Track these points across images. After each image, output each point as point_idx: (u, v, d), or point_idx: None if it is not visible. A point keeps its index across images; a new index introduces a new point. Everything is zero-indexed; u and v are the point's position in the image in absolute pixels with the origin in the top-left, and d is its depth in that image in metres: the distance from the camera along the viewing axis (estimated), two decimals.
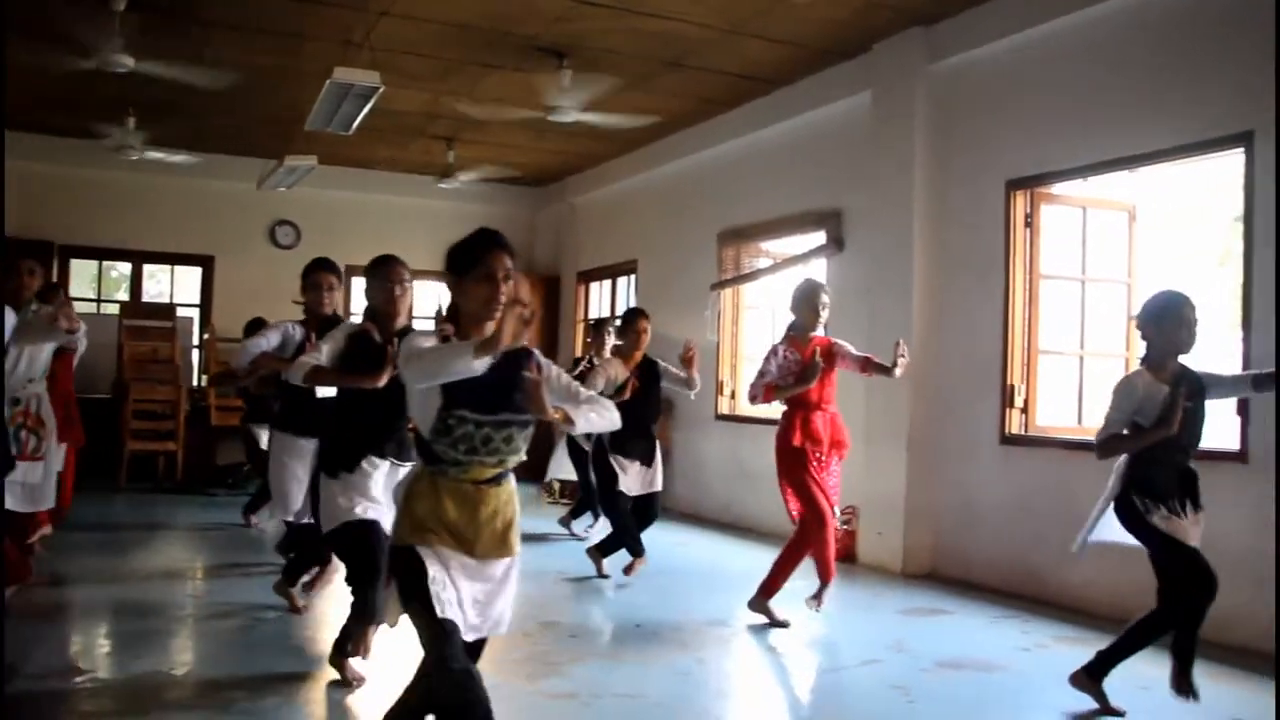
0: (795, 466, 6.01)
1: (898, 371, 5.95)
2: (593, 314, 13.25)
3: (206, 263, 13.13)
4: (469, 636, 3.08)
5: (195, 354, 12.92)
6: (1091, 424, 7.13)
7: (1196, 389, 4.44)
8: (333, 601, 5.98)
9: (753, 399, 6.14)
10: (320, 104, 8.11)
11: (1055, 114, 6.88)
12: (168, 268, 13.58)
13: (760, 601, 6.06)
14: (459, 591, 3.08)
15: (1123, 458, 4.54)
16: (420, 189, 13.08)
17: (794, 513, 6.11)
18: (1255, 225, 5.72)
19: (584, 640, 5.66)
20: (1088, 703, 4.69)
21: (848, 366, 6.20)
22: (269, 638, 5.44)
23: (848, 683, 5.16)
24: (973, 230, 7.43)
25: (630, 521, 7.16)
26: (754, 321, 10.49)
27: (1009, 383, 7.09)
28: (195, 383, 12.79)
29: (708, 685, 4.92)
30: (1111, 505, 4.59)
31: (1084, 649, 5.60)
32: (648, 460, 7.16)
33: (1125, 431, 4.44)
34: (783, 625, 5.98)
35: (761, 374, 6.06)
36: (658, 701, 4.54)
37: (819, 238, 9.06)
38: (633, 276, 12.26)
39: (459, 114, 9.77)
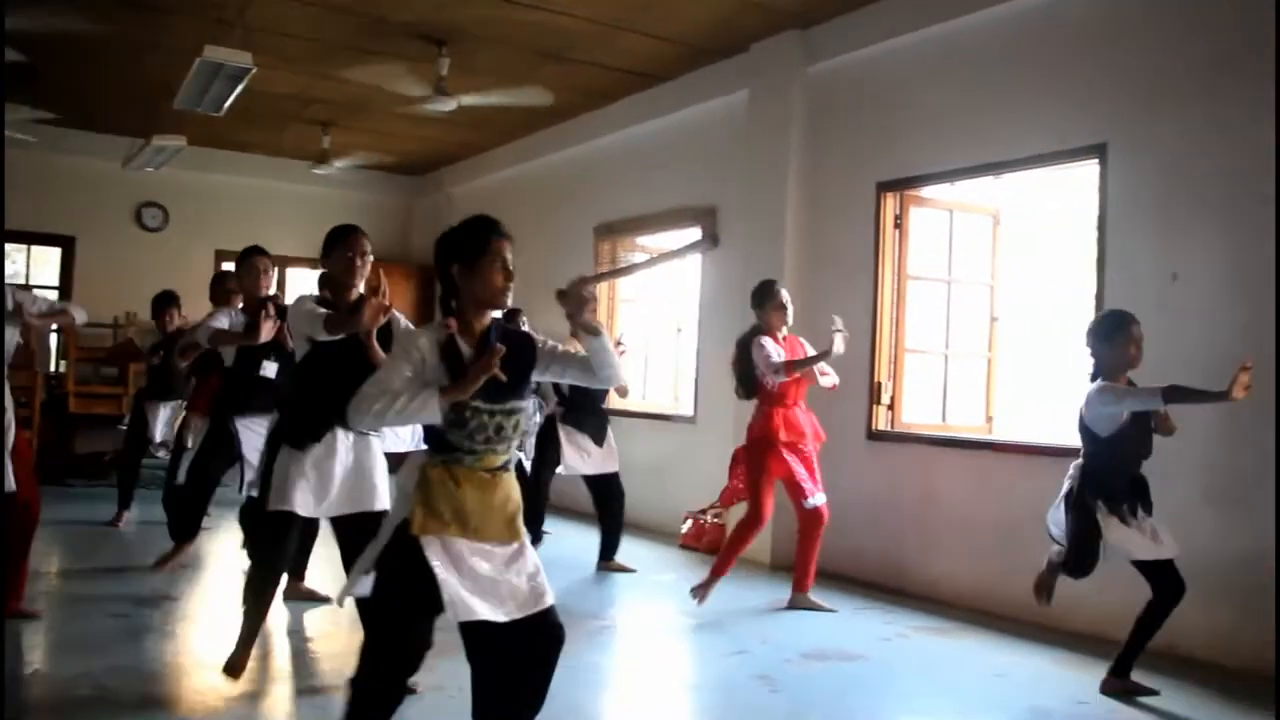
0: (762, 462, 6.24)
1: (837, 347, 6.10)
2: None
3: (67, 243, 12.61)
4: (498, 617, 3.04)
5: (53, 339, 12.40)
6: (955, 421, 7.36)
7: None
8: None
9: (776, 372, 6.19)
10: (190, 83, 7.90)
11: (925, 119, 7.07)
12: (23, 247, 13.04)
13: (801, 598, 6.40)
14: (469, 578, 3.06)
15: (1077, 460, 4.88)
16: (295, 174, 12.83)
17: (732, 495, 6.56)
18: (1108, 233, 5.98)
19: (455, 633, 5.60)
20: (946, 689, 4.85)
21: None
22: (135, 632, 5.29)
23: (713, 674, 5.22)
24: (844, 230, 7.59)
25: (544, 506, 7.51)
26: (629, 316, 10.53)
27: (876, 380, 7.27)
28: (53, 369, 12.31)
29: (576, 678, 4.90)
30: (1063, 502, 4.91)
31: (942, 638, 5.83)
32: (599, 438, 7.40)
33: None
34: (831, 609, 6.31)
35: (769, 357, 6.20)
36: None
37: (695, 233, 9.14)
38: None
39: (335, 99, 9.61)
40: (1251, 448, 5.29)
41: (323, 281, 4.75)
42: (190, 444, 7.15)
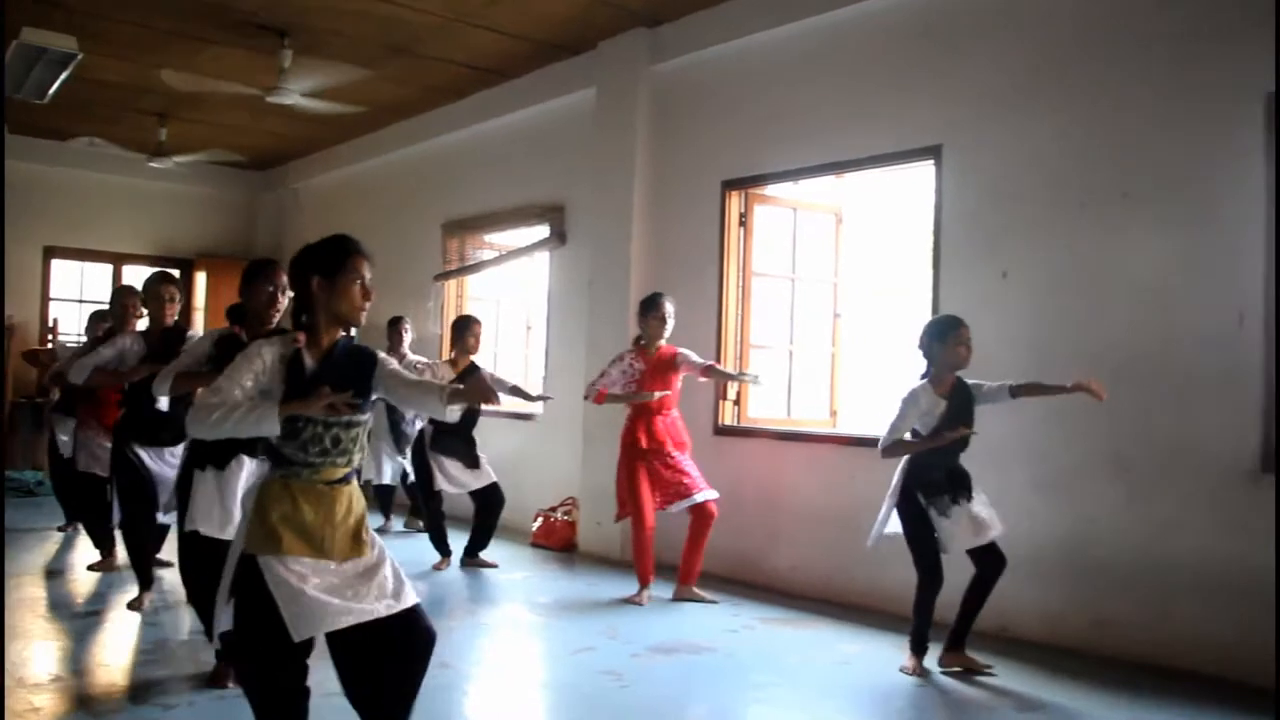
0: (631, 465, 6.50)
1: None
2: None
3: None
4: (347, 621, 3.02)
5: None
6: (800, 416, 7.51)
7: (968, 400, 5.03)
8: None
9: (586, 397, 6.72)
10: (9, 67, 7.50)
11: (770, 118, 7.19)
12: None
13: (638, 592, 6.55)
14: (314, 590, 3.03)
15: (904, 458, 5.08)
16: (129, 167, 12.28)
17: (623, 507, 6.64)
18: (943, 233, 6.18)
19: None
20: (792, 678, 4.94)
21: (691, 372, 6.54)
22: None
23: (562, 670, 5.22)
24: (690, 227, 7.67)
25: (443, 522, 7.52)
26: (477, 314, 10.40)
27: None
28: None
29: (424, 682, 4.84)
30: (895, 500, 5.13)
31: (789, 628, 5.93)
32: (471, 462, 7.46)
33: (907, 436, 5.02)
34: (712, 602, 6.48)
35: (602, 374, 6.58)
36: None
37: (543, 231, 9.12)
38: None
39: (171, 89, 9.26)
40: (1077, 441, 5.54)
41: (235, 315, 4.66)
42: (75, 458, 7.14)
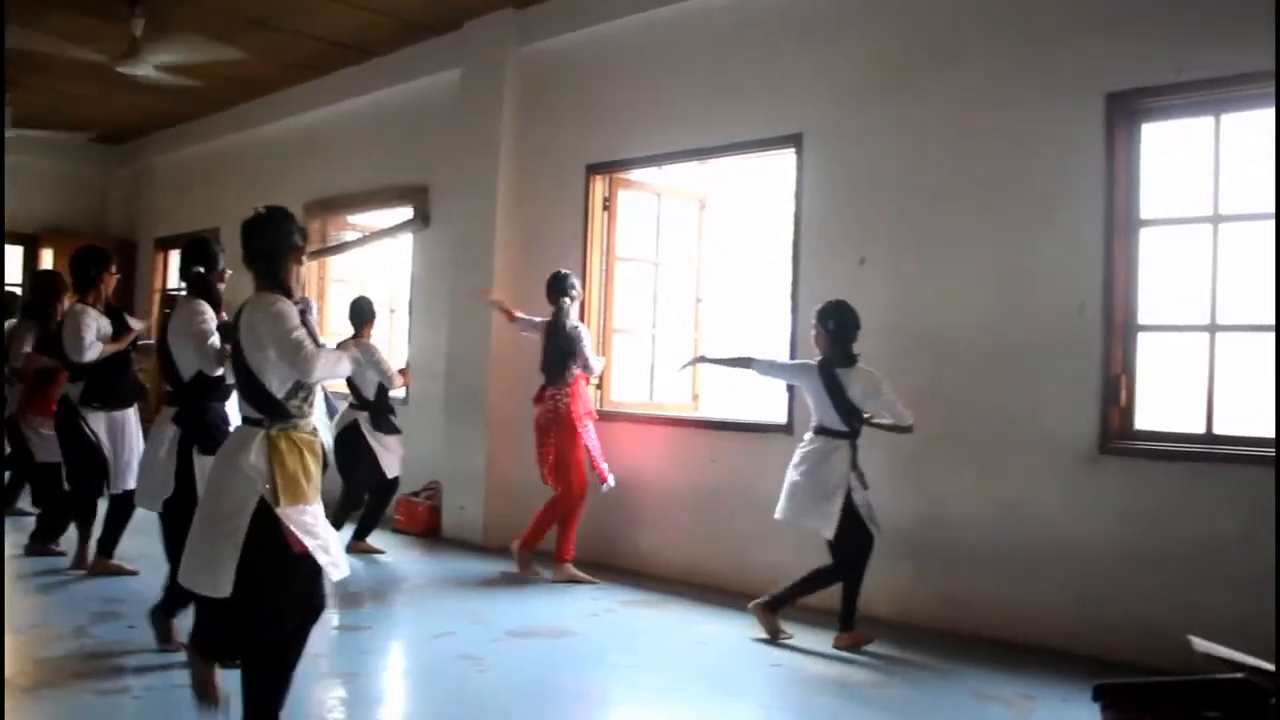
0: (577, 437, 6.58)
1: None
2: (172, 285, 12.45)
3: None
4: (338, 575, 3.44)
5: None
6: (662, 399, 7.57)
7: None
8: None
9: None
10: None
11: (635, 103, 7.21)
12: None
13: (562, 568, 6.65)
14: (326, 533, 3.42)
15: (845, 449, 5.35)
16: None
17: (550, 477, 6.68)
18: (803, 219, 6.29)
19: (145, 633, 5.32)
20: (651, 660, 5.01)
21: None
22: None
23: (421, 656, 5.19)
24: (554, 211, 7.65)
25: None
26: (340, 295, 10.23)
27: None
28: None
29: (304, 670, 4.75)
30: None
31: (648, 610, 5.99)
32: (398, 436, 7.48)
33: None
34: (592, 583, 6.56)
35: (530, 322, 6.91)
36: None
37: (406, 213, 8.98)
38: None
39: (14, 56, 8.82)
40: (928, 424, 5.67)
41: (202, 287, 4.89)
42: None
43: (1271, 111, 4.92)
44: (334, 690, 4.51)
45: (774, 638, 5.27)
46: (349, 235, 9.95)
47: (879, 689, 4.68)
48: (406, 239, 9.12)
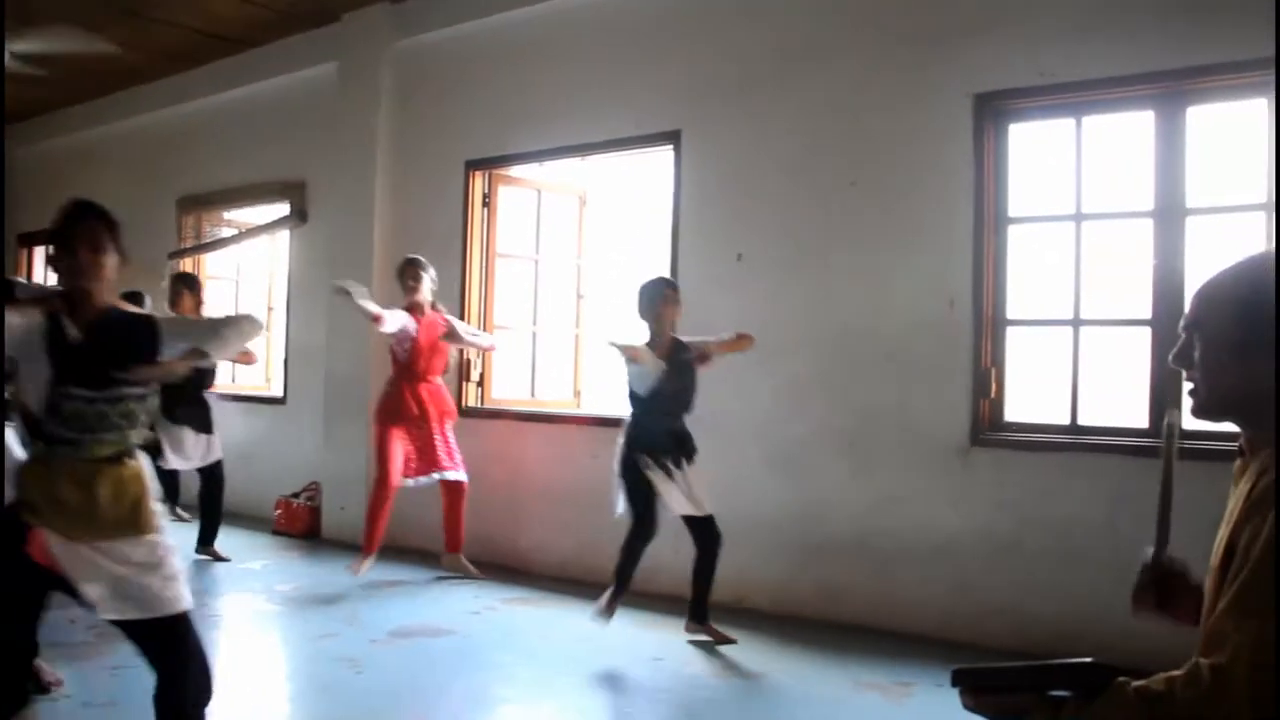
0: (389, 430, 6.44)
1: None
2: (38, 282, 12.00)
3: None
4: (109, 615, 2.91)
5: None
6: (543, 396, 7.54)
7: (686, 360, 5.22)
8: None
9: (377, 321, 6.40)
10: None
11: (515, 99, 7.16)
12: None
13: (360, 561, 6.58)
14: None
15: (626, 421, 5.23)
16: None
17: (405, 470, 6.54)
18: (682, 216, 6.33)
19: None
20: (530, 657, 4.98)
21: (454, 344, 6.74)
22: None
23: (298, 660, 5.10)
24: (433, 207, 7.57)
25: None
26: (216, 293, 9.99)
27: (466, 357, 7.31)
28: None
29: (151, 678, 4.60)
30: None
31: (529, 608, 5.96)
32: (204, 427, 7.00)
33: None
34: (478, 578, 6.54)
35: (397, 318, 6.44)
36: (108, 702, 4.20)
37: (283, 208, 8.80)
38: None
39: None
40: (805, 418, 5.78)
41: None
42: None
43: (1125, 114, 5.15)
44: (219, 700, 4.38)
45: (724, 642, 5.22)
46: (225, 231, 9.71)
47: (760, 680, 4.72)
48: (284, 235, 8.93)
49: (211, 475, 7.17)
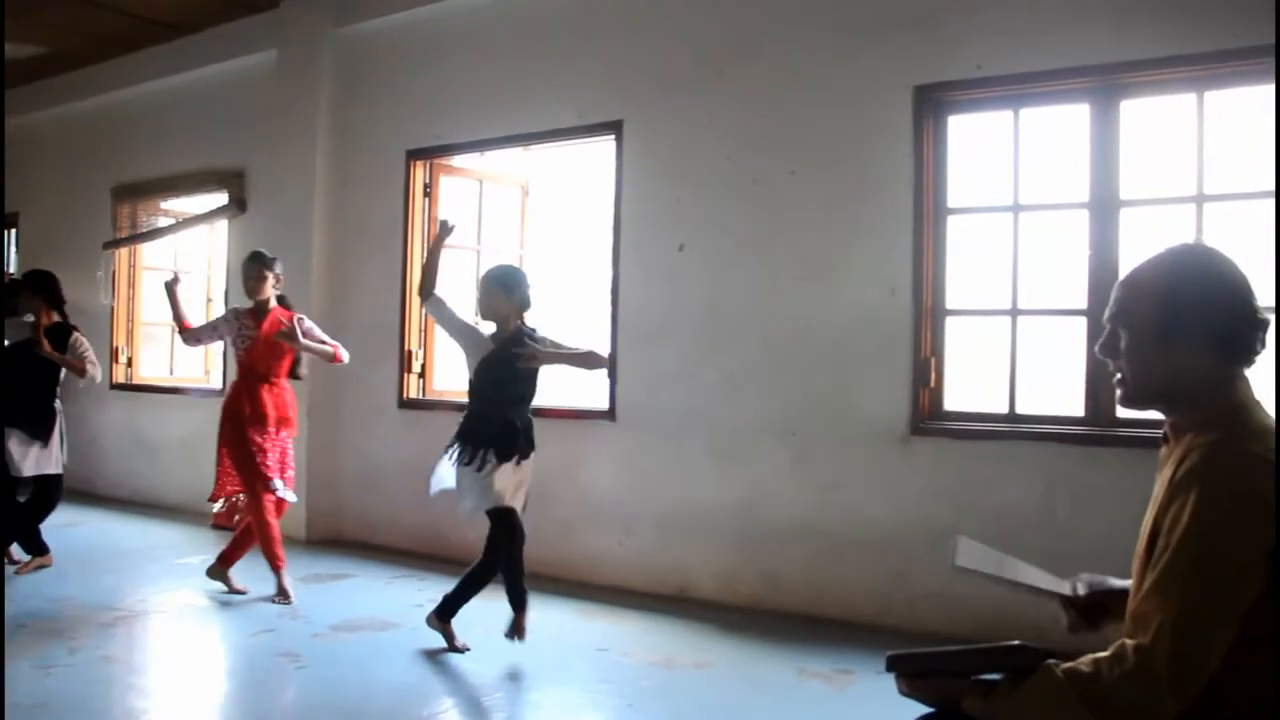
0: (235, 438, 5.83)
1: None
2: None
3: None
4: None
5: None
6: None
7: (518, 345, 5.01)
8: None
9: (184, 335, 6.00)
10: None
11: (456, 88, 7.12)
12: None
13: (218, 569, 6.01)
14: None
15: (466, 411, 5.06)
16: None
17: (225, 486, 5.99)
18: (623, 206, 6.33)
19: None
20: (472, 649, 4.98)
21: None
22: None
23: (237, 656, 5.04)
24: (374, 197, 7.51)
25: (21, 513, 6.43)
26: (155, 284, 9.84)
27: (407, 349, 7.27)
28: None
29: (85, 674, 4.53)
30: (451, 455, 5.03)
31: (475, 600, 5.89)
32: (39, 434, 6.36)
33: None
34: (240, 593, 5.95)
35: (210, 324, 6.04)
36: (35, 703, 4.13)
37: (221, 198, 8.68)
38: (12, 231, 10.94)
39: None
40: (747, 409, 5.81)
41: None
42: None
43: (1061, 108, 5.22)
44: (140, 697, 4.33)
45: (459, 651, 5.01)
46: (161, 221, 9.56)
47: (703, 669, 4.75)
48: (222, 225, 8.82)
49: (41, 489, 6.50)
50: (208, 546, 7.30)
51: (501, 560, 4.96)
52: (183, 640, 5.31)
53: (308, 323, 6.02)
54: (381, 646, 5.07)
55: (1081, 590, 2.20)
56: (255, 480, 5.81)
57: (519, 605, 5.04)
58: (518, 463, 5.01)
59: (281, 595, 5.81)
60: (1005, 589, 2.14)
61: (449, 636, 5.02)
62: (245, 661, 4.89)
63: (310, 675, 4.57)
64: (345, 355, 6.02)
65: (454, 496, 5.09)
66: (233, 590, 5.98)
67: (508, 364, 4.94)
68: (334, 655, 4.88)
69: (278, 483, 5.86)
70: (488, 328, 5.16)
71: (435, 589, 6.12)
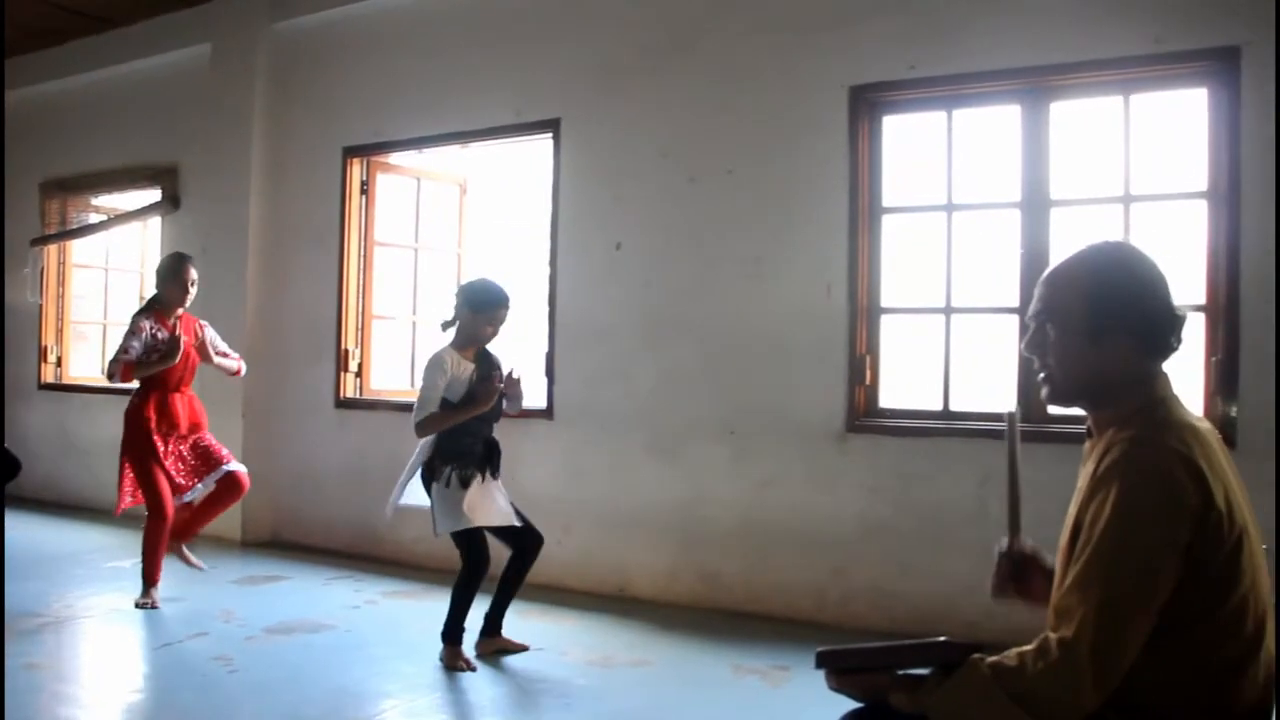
0: (141, 449, 5.61)
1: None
2: None
3: None
4: None
5: None
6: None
7: (495, 366, 4.84)
8: None
9: (110, 377, 5.55)
10: None
11: (394, 86, 7.07)
12: None
13: (146, 592, 5.72)
14: None
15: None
16: None
17: (125, 496, 5.73)
18: (561, 205, 6.33)
19: None
20: (410, 650, 4.93)
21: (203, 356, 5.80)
22: None
23: (168, 661, 4.93)
24: (310, 195, 7.42)
25: None
26: (84, 282, 9.67)
27: (344, 348, 7.19)
28: None
29: (9, 685, 4.43)
30: (419, 472, 4.84)
31: (410, 601, 5.91)
32: None
33: (438, 409, 4.66)
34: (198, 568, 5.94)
35: (124, 350, 5.51)
36: None
37: (154, 194, 8.54)
38: None
39: None
40: (686, 406, 5.82)
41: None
42: None
43: (993, 109, 5.30)
44: (67, 705, 4.25)
45: (518, 650, 4.98)
46: (92, 217, 9.38)
47: (641, 667, 4.76)
48: (155, 222, 8.67)
49: None
50: (139, 550, 7.17)
51: (483, 573, 4.77)
52: (111, 645, 5.22)
53: (210, 331, 5.88)
54: (316, 649, 5.01)
55: (1027, 548, 2.20)
56: (153, 496, 5.60)
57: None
58: (494, 477, 4.85)
59: (145, 601, 5.70)
60: (1009, 471, 2.20)
61: (508, 646, 4.96)
62: (176, 666, 4.80)
63: (242, 679, 4.50)
64: (244, 368, 6.06)
65: (413, 514, 4.99)
66: (192, 566, 5.90)
67: (485, 383, 4.71)
68: (267, 658, 4.82)
69: (233, 464, 5.76)
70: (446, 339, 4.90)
71: (370, 590, 6.10)
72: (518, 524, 4.86)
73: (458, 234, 7.70)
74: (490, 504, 4.79)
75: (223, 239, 7.62)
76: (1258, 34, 4.51)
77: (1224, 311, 4.65)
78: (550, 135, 6.34)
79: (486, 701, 4.42)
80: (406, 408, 6.93)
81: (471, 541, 4.74)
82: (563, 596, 5.55)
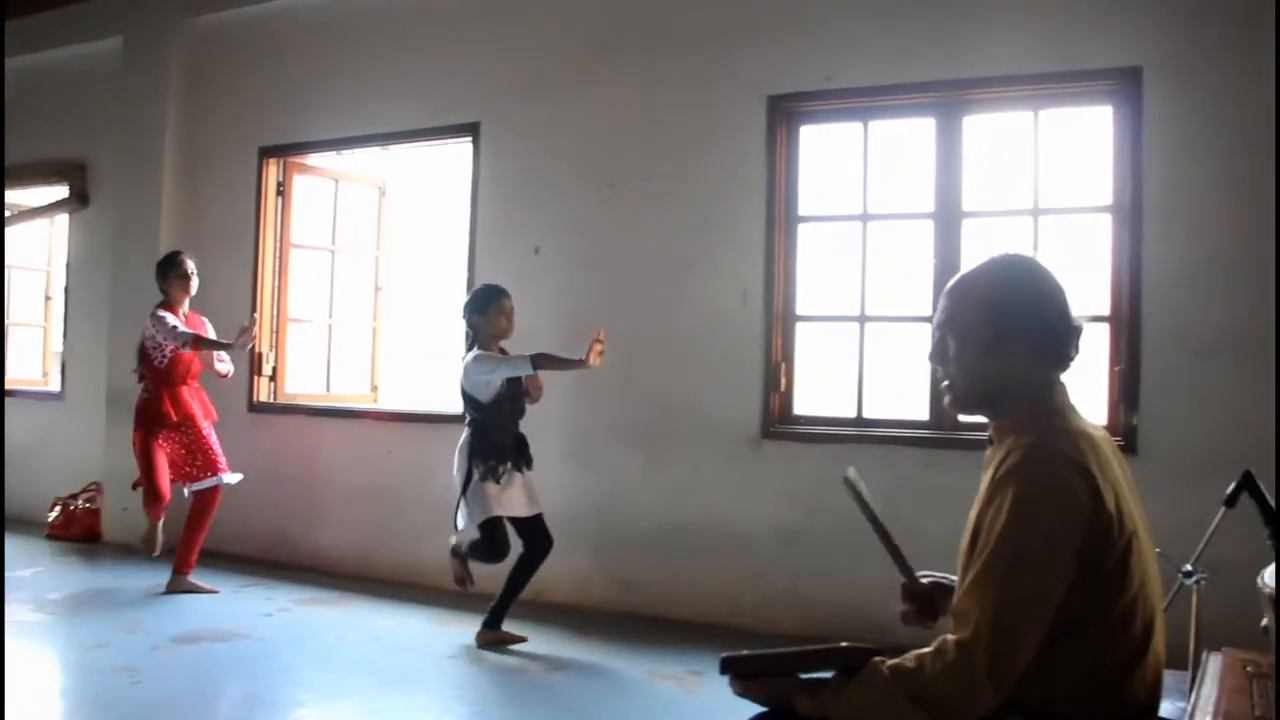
0: (151, 440, 5.93)
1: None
2: None
3: None
4: None
5: None
6: (340, 391, 7.38)
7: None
8: None
9: (183, 346, 5.88)
10: None
11: (312, 85, 6.99)
12: None
13: (181, 579, 6.09)
14: None
15: (466, 431, 5.06)
16: None
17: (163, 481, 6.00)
18: (479, 208, 6.32)
19: None
20: (324, 658, 4.88)
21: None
22: None
23: (72, 672, 4.82)
24: (225, 195, 7.29)
25: None
26: None
27: (258, 351, 7.06)
28: None
29: None
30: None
31: (325, 608, 5.84)
32: None
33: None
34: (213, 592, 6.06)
35: (174, 328, 5.85)
36: None
37: (61, 191, 8.32)
38: None
39: None
40: (602, 412, 5.84)
41: None
42: None
43: (908, 121, 5.39)
44: None
45: (513, 642, 5.13)
46: None
47: (556, 674, 4.75)
48: (62, 220, 8.46)
49: None
50: (41, 557, 7.02)
51: (503, 558, 5.08)
52: (12, 658, 5.05)
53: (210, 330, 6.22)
54: (224, 658, 4.92)
55: (925, 582, 2.26)
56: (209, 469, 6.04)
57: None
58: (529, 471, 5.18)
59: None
60: (874, 528, 2.22)
61: (507, 639, 5.13)
62: (78, 679, 4.68)
63: (147, 690, 4.39)
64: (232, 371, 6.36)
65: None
66: (204, 591, 6.06)
67: (514, 382, 5.09)
68: (174, 669, 4.71)
69: (207, 480, 6.06)
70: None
71: (283, 597, 6.01)
72: (532, 512, 5.12)
73: (376, 237, 7.63)
74: (514, 495, 5.05)
75: (133, 239, 7.45)
76: (1160, 56, 4.67)
77: (1127, 323, 4.78)
78: (470, 139, 6.32)
79: (398, 710, 4.36)
80: (323, 412, 6.95)
81: (493, 530, 4.99)
82: (478, 603, 5.51)
